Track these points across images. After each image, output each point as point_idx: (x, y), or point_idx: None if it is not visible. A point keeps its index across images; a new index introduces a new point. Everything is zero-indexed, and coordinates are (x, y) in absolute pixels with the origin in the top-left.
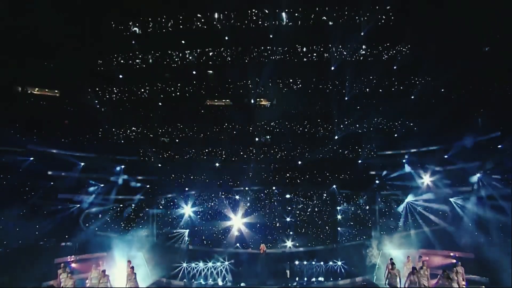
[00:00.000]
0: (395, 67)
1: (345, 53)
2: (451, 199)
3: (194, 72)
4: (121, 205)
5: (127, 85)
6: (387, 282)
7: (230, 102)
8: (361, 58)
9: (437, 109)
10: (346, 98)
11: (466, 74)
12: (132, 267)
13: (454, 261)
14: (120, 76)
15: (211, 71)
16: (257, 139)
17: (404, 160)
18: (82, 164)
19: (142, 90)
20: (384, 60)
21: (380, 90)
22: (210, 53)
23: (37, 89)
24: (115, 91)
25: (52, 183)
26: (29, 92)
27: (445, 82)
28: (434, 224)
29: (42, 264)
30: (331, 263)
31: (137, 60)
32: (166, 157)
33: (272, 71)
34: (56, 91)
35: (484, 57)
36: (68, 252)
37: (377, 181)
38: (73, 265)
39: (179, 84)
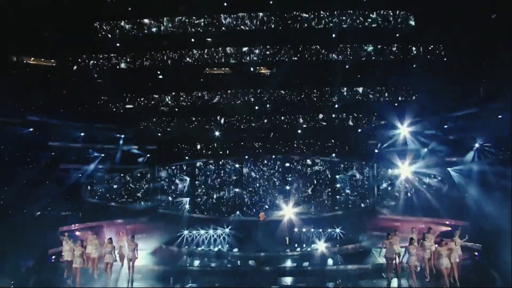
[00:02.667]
0: (397, 35)
1: (346, 19)
2: (449, 168)
3: (193, 40)
4: (122, 175)
5: (125, 53)
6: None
7: (229, 71)
8: (363, 24)
9: (440, 78)
10: (347, 66)
11: (470, 42)
12: (133, 236)
13: (450, 229)
14: (118, 45)
15: (209, 39)
16: (256, 107)
17: (404, 129)
18: (82, 134)
19: (141, 58)
20: (387, 26)
21: (381, 58)
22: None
23: (32, 58)
24: (113, 60)
25: (53, 153)
26: (24, 62)
27: (449, 51)
28: (431, 193)
29: (47, 232)
30: (329, 230)
31: (135, 27)
32: (166, 126)
33: (272, 38)
34: (52, 60)
35: (490, 25)
36: (72, 221)
37: (376, 150)
38: (77, 233)
39: (177, 52)
